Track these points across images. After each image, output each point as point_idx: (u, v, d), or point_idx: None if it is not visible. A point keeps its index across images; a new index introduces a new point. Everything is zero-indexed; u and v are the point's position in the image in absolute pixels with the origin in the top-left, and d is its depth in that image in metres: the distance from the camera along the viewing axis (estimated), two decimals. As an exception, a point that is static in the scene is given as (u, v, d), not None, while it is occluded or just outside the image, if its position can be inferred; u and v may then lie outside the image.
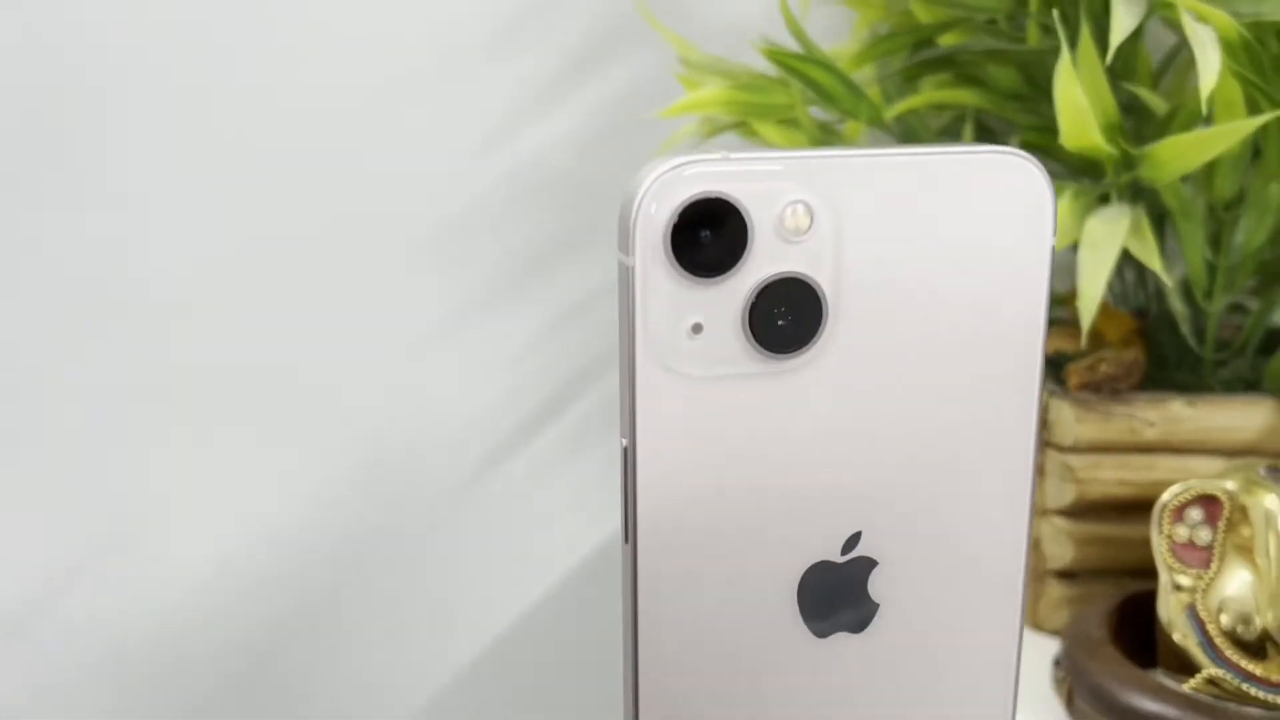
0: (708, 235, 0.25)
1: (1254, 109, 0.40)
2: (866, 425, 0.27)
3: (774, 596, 0.28)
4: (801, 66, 0.48)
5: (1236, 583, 0.40)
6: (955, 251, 0.27)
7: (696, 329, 0.25)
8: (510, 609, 0.71)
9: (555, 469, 0.70)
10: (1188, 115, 0.43)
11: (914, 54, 0.50)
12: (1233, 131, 0.38)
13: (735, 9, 0.61)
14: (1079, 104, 0.39)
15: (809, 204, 0.25)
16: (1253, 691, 0.38)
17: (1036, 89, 0.49)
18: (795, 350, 0.26)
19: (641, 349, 0.25)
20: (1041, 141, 0.47)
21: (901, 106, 0.49)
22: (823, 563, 0.28)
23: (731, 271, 0.25)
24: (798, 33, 0.49)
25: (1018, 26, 0.49)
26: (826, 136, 0.50)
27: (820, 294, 0.26)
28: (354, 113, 0.61)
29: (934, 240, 0.26)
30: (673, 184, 0.25)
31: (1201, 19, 0.37)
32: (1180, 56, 0.50)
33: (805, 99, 0.49)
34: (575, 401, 0.69)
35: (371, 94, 0.61)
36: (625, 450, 0.26)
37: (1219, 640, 0.39)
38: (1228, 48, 0.38)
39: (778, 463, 0.27)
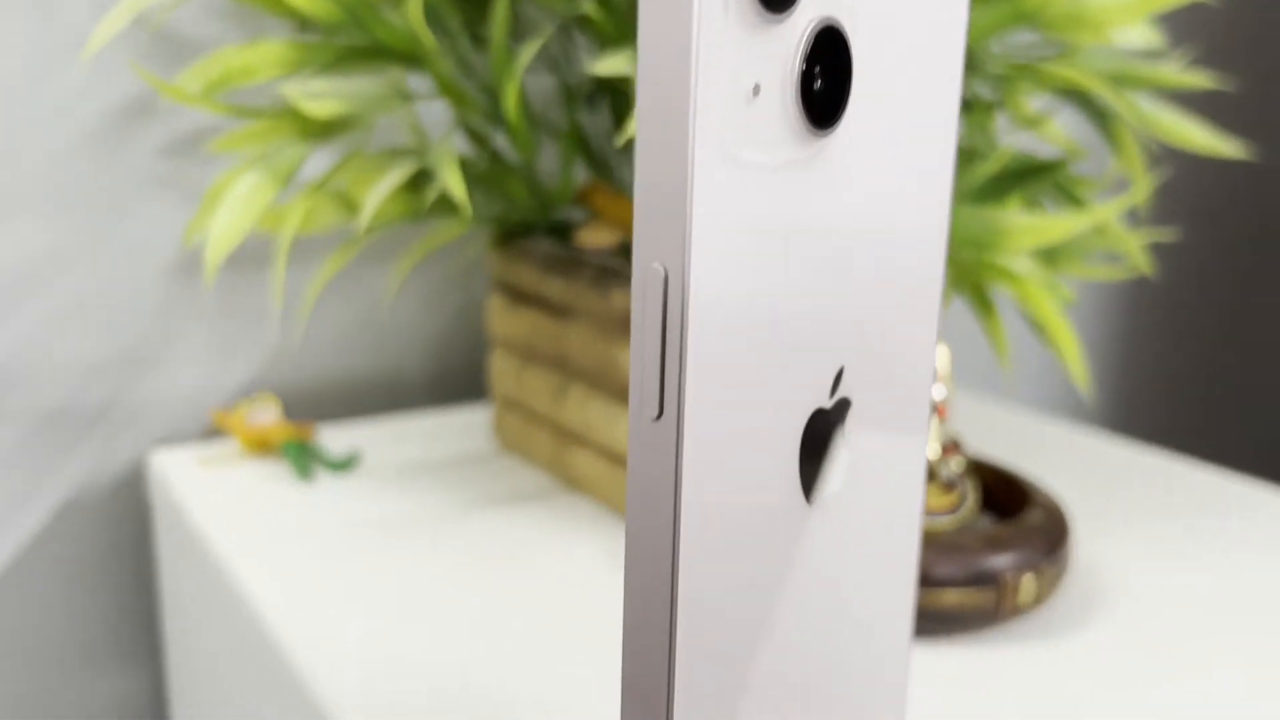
0: (769, -44, 0.18)
1: None
2: (866, 219, 0.22)
3: (784, 455, 0.21)
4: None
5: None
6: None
7: (756, 91, 0.18)
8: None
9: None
10: None
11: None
12: None
13: None
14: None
15: (841, -72, 0.19)
16: (917, 521, 0.40)
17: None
18: (830, 123, 0.20)
19: (701, 121, 0.17)
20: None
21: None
22: (818, 411, 0.22)
23: (791, 9, 0.18)
24: None
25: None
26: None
27: (849, 46, 0.20)
28: None
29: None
30: None
31: None
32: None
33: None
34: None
35: None
36: (665, 279, 0.18)
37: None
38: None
39: (801, 281, 0.20)
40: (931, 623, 0.37)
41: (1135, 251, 0.50)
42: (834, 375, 0.22)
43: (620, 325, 0.44)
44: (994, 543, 0.38)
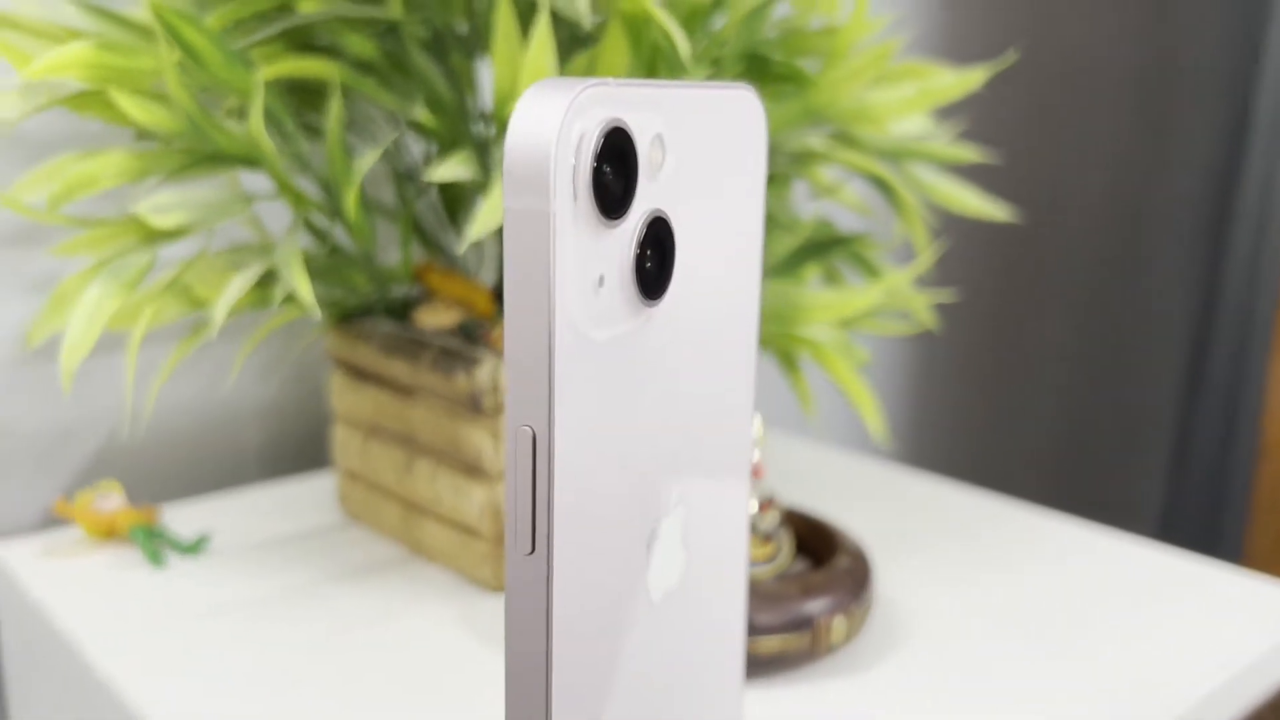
0: (609, 172, 0.22)
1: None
2: (689, 368, 0.26)
3: (638, 567, 0.25)
4: (181, 25, 0.41)
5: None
6: (725, 185, 0.27)
7: (601, 282, 0.22)
8: None
9: None
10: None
11: (271, 20, 0.46)
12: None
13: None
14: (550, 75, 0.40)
15: (663, 136, 0.24)
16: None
17: (393, 62, 0.49)
18: (658, 296, 0.24)
19: (559, 312, 0.21)
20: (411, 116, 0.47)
21: (268, 74, 0.45)
22: (662, 520, 0.26)
23: (626, 212, 0.22)
24: (164, -14, 0.41)
25: (377, -5, 0.48)
26: (206, 114, 0.43)
27: (673, 232, 0.24)
28: None
29: (714, 171, 0.26)
30: (589, 109, 0.21)
31: None
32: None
33: (180, 66, 0.42)
34: None
35: None
36: (533, 439, 0.22)
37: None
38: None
39: (642, 423, 0.25)
40: (753, 666, 0.42)
41: (921, 310, 0.57)
42: (674, 495, 0.26)
43: (464, 405, 0.47)
44: (808, 589, 0.43)
